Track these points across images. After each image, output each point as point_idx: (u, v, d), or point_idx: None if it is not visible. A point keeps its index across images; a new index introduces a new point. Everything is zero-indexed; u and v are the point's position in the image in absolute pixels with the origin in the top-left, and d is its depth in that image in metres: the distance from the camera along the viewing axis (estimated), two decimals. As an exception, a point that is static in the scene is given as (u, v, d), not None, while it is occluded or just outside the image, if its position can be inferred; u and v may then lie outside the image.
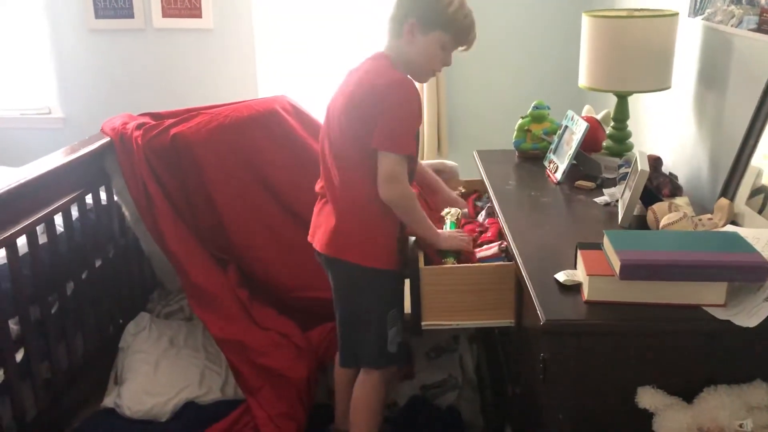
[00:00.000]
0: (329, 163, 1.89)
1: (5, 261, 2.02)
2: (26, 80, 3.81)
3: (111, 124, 2.55)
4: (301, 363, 2.32)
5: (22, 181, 2.06)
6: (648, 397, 1.33)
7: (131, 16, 3.58)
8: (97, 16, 3.60)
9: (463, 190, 2.46)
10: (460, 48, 1.86)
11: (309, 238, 2.00)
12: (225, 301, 2.40)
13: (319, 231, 1.94)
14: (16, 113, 3.81)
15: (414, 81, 1.83)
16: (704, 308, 1.33)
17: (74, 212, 2.39)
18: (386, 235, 1.90)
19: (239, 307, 2.42)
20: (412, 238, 1.98)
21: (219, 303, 2.39)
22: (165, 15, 3.57)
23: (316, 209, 2.00)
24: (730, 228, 1.59)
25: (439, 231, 1.94)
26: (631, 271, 1.31)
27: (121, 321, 2.61)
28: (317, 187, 1.99)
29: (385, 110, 1.74)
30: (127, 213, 2.57)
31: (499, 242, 1.97)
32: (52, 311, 2.23)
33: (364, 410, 2.01)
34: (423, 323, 1.86)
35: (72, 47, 3.67)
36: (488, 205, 2.25)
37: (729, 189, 1.78)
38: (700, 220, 1.65)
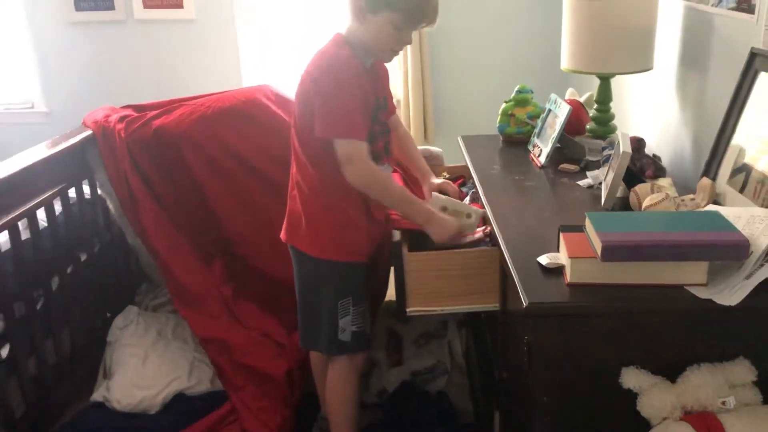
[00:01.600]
0: (293, 148, 1.89)
1: (-13, 257, 2.01)
2: (8, 74, 3.77)
3: (93, 117, 2.53)
4: (282, 360, 2.31)
5: (3, 176, 2.04)
6: (632, 378, 1.34)
7: (112, 7, 3.56)
8: (78, 8, 3.56)
9: (447, 176, 2.45)
10: (421, 25, 1.79)
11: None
12: (208, 299, 2.40)
13: (285, 220, 1.98)
14: (1, 108, 3.77)
15: (370, 60, 1.82)
16: (686, 288, 1.33)
17: (57, 206, 2.37)
18: (336, 225, 1.87)
19: (222, 306, 2.41)
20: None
21: (202, 301, 2.39)
22: (146, 6, 3.54)
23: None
24: (711, 207, 1.59)
25: (425, 207, 1.85)
26: (612, 253, 1.31)
27: (108, 314, 2.60)
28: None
29: (320, 94, 1.73)
30: (111, 206, 2.56)
31: (483, 227, 1.97)
32: (38, 307, 2.21)
33: (335, 397, 2.03)
34: (408, 309, 1.86)
35: (53, 40, 3.63)
36: (473, 190, 2.24)
37: (711, 169, 1.78)
38: (682, 200, 1.65)
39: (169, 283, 2.43)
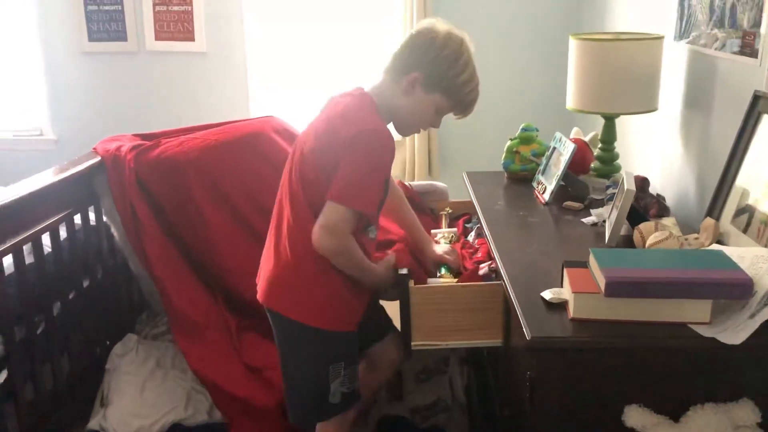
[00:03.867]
0: (285, 199, 1.78)
1: (-9, 280, 2.01)
2: (19, 102, 3.83)
3: (105, 146, 2.53)
4: (270, 393, 2.23)
5: (9, 200, 2.05)
6: (635, 416, 1.32)
7: (124, 39, 3.62)
8: (91, 38, 3.63)
9: (450, 211, 2.46)
10: (457, 115, 1.80)
11: (257, 279, 1.90)
12: (209, 329, 2.36)
13: (262, 274, 1.85)
14: (9, 134, 3.82)
15: (395, 131, 1.76)
16: (690, 326, 1.33)
17: (62, 232, 2.37)
18: (333, 293, 1.76)
19: (222, 335, 2.37)
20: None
21: (201, 332, 2.36)
22: (158, 38, 3.60)
23: (265, 246, 1.89)
24: (715, 247, 1.60)
25: (380, 271, 1.82)
26: (616, 289, 1.31)
27: (108, 342, 2.59)
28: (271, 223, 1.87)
29: (348, 160, 1.63)
30: (116, 233, 2.56)
31: (489, 262, 1.97)
32: (38, 331, 2.21)
33: None
34: (413, 344, 1.85)
35: (65, 69, 3.69)
36: (477, 225, 2.25)
37: (714, 209, 1.79)
38: (686, 239, 1.66)
39: (169, 311, 2.42)
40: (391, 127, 1.78)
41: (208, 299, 2.43)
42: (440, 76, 1.70)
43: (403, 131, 1.82)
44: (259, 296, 1.83)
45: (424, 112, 1.75)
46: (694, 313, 1.33)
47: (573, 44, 2.22)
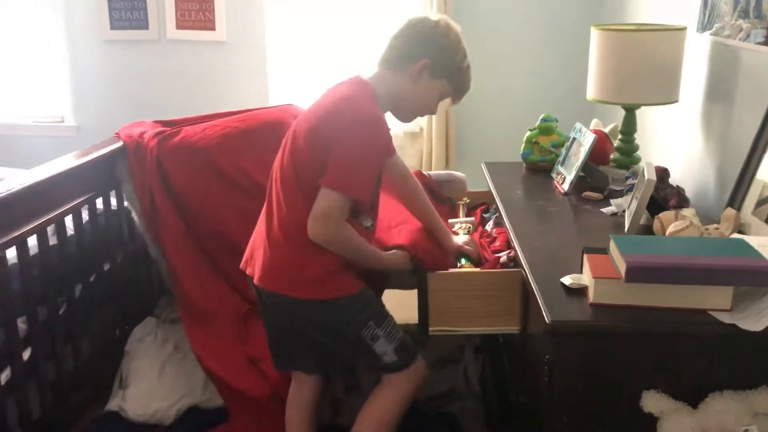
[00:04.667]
0: (276, 186, 1.79)
1: (16, 261, 2.04)
2: (41, 89, 3.87)
3: (129, 131, 2.56)
4: (264, 385, 2.23)
5: (34, 181, 2.08)
6: (653, 401, 1.33)
7: (146, 27, 3.65)
8: (113, 27, 3.66)
9: (467, 200, 2.47)
10: (450, 101, 1.87)
11: (242, 265, 1.89)
12: (216, 317, 2.38)
13: (256, 261, 1.83)
14: (29, 121, 3.86)
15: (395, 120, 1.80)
16: (710, 312, 1.33)
17: (84, 215, 2.41)
18: (331, 264, 1.75)
19: (231, 324, 2.38)
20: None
21: (208, 319, 2.38)
22: (179, 27, 3.63)
23: (255, 233, 1.89)
24: (736, 237, 1.59)
25: (383, 256, 1.85)
26: (636, 274, 1.32)
27: (127, 326, 2.62)
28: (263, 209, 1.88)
29: (342, 146, 1.65)
30: (136, 218, 2.59)
31: (507, 251, 1.98)
32: (60, 312, 2.24)
33: (384, 419, 1.85)
34: (430, 329, 1.86)
35: (87, 57, 3.73)
36: (496, 215, 2.26)
37: (735, 200, 1.79)
38: (706, 229, 1.65)
39: (179, 297, 2.44)
40: (389, 116, 1.80)
41: (221, 287, 2.45)
42: (447, 60, 1.77)
43: (403, 117, 1.85)
44: (257, 281, 1.81)
45: (429, 97, 1.80)
46: (714, 299, 1.33)
47: (595, 35, 2.22)
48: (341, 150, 1.65)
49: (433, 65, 1.75)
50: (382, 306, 1.91)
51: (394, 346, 1.83)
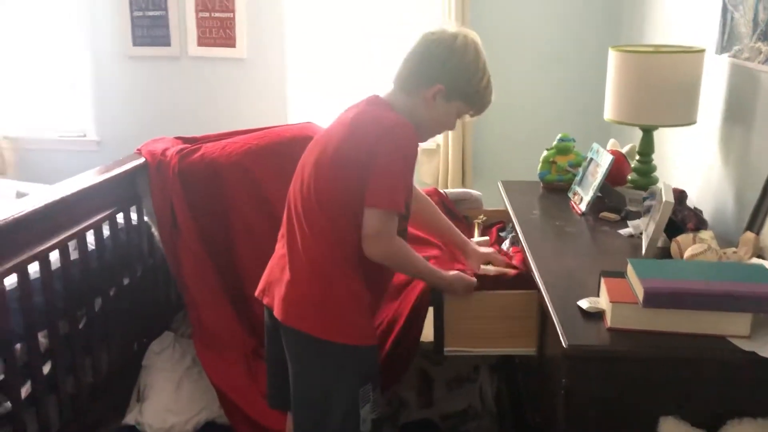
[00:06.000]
0: (296, 211, 1.73)
1: (38, 275, 2.07)
2: (65, 103, 3.94)
3: (151, 147, 2.58)
4: (281, 420, 2.12)
5: (58, 197, 2.11)
6: (671, 427, 1.32)
7: (168, 44, 3.70)
8: (135, 43, 3.72)
9: (483, 219, 2.48)
10: (470, 116, 1.80)
11: (258, 293, 1.82)
12: (229, 347, 2.38)
13: (275, 290, 1.75)
14: (54, 135, 3.93)
15: None
16: (729, 339, 1.33)
17: (105, 230, 2.44)
18: (352, 304, 1.69)
19: (240, 356, 2.37)
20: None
21: (222, 347, 2.38)
22: (200, 44, 3.68)
23: (274, 261, 1.82)
24: (755, 261, 1.59)
25: (444, 274, 1.81)
26: (654, 299, 1.32)
27: (145, 340, 2.65)
28: (280, 235, 1.81)
29: (380, 161, 1.59)
30: (156, 234, 2.62)
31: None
32: (80, 326, 2.27)
33: None
34: (446, 348, 1.87)
35: (110, 73, 3.79)
36: (512, 234, 2.26)
37: (755, 223, 1.78)
38: (724, 253, 1.65)
39: (194, 321, 2.45)
40: None
41: (231, 316, 2.44)
42: (463, 84, 1.69)
43: (421, 137, 1.75)
44: (277, 314, 1.72)
45: (445, 119, 1.74)
46: (733, 326, 1.32)
47: (613, 56, 2.22)
48: (376, 168, 1.60)
49: (448, 89, 1.68)
50: (379, 367, 1.81)
51: (374, 416, 1.74)
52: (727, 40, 2.15)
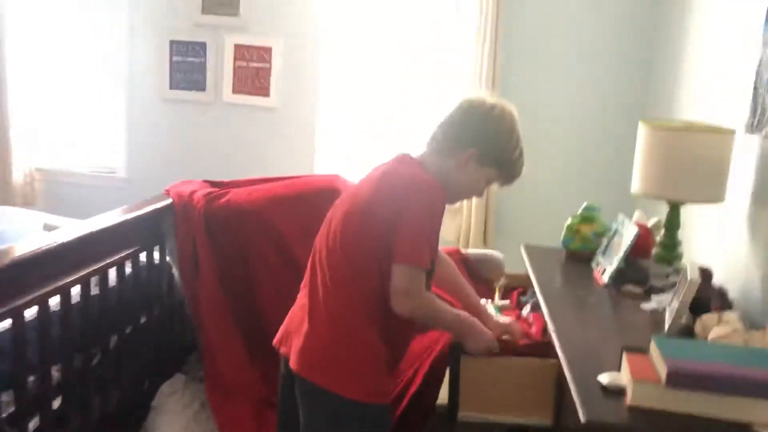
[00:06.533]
0: (320, 262, 1.73)
1: (58, 307, 2.08)
2: (99, 140, 4.04)
3: (179, 189, 2.61)
4: None
5: (85, 233, 2.14)
6: None
7: (203, 89, 3.80)
8: (172, 87, 3.82)
9: (504, 282, 2.46)
10: (499, 185, 1.84)
11: (276, 342, 1.81)
12: (241, 395, 2.37)
13: (294, 340, 1.74)
14: (86, 170, 4.02)
15: None
16: (756, 429, 1.29)
17: (128, 268, 2.46)
18: (371, 360, 1.68)
19: (252, 405, 2.35)
20: None
21: (235, 394, 2.37)
22: (235, 91, 3.77)
23: (294, 310, 1.82)
24: (782, 347, 1.55)
25: (474, 321, 1.79)
26: (678, 379, 1.29)
27: (156, 380, 2.63)
28: (302, 285, 1.82)
29: (407, 218, 1.62)
30: (177, 275, 2.64)
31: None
32: (94, 362, 2.26)
33: None
34: (460, 413, 1.83)
35: (144, 113, 3.89)
36: (533, 300, 2.24)
37: (782, 307, 1.75)
38: (752, 336, 1.62)
39: (207, 362, 2.44)
40: None
41: (245, 361, 2.43)
42: (496, 151, 1.73)
43: (450, 200, 1.78)
44: (293, 364, 1.71)
45: (475, 183, 1.78)
46: (760, 414, 1.29)
47: (642, 130, 2.23)
48: (404, 224, 1.62)
49: (482, 154, 1.72)
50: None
51: None
52: (759, 120, 2.15)
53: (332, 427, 1.68)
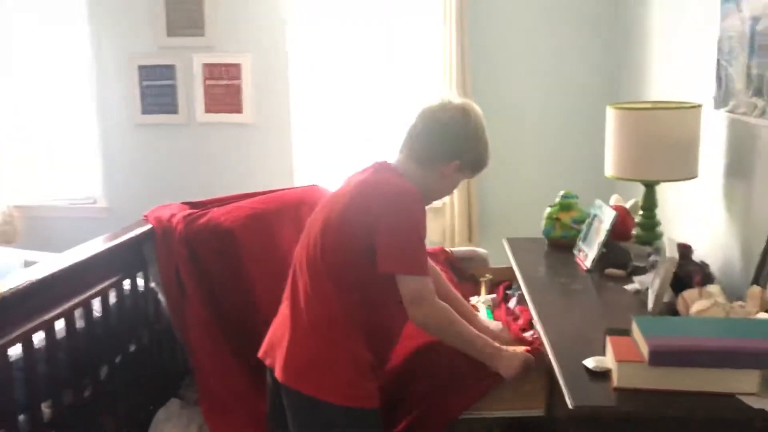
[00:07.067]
0: (301, 271, 1.76)
1: (43, 343, 2.07)
2: (75, 171, 4.01)
3: (158, 213, 2.60)
4: None
5: (64, 266, 2.13)
6: (684, 491, 1.29)
7: (176, 111, 3.78)
8: (144, 111, 3.81)
9: (490, 277, 2.47)
10: (475, 174, 1.89)
11: (261, 354, 1.83)
12: (238, 409, 2.36)
13: (277, 351, 1.76)
14: (65, 203, 3.99)
15: None
16: (738, 397, 1.30)
17: (112, 297, 2.44)
18: (357, 367, 1.69)
19: (250, 419, 2.33)
20: None
21: (230, 410, 2.36)
22: (207, 110, 3.76)
23: (277, 322, 1.83)
24: (762, 316, 1.57)
25: (500, 349, 1.74)
26: (660, 357, 1.30)
27: (151, 407, 2.61)
28: (284, 296, 1.84)
29: (391, 229, 1.64)
30: (162, 299, 2.62)
31: (531, 332, 1.96)
32: (85, 395, 2.25)
33: None
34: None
35: (118, 141, 3.87)
36: (519, 293, 2.25)
37: (761, 277, 1.76)
38: (731, 307, 1.63)
39: (200, 386, 2.43)
40: None
41: (240, 380, 2.42)
42: (475, 157, 1.81)
43: (427, 201, 1.79)
44: (278, 375, 1.72)
45: (451, 188, 1.87)
46: (742, 383, 1.30)
47: (611, 113, 2.25)
48: (387, 231, 1.63)
49: (463, 164, 1.78)
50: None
51: None
52: (724, 96, 2.17)
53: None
